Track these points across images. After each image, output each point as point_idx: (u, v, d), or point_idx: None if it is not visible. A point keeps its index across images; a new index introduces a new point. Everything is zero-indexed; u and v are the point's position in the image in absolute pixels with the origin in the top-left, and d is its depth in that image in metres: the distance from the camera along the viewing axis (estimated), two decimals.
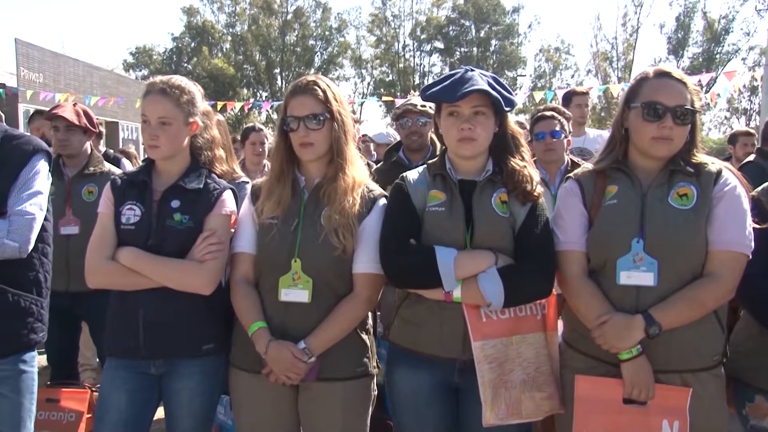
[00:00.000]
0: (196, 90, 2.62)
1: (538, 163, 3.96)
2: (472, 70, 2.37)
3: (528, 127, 4.38)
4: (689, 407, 2.18)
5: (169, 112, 2.49)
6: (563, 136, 3.95)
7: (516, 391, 2.29)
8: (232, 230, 2.59)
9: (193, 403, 2.52)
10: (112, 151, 6.23)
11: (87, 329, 4.12)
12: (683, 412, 2.18)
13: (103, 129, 5.66)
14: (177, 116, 2.51)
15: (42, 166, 2.51)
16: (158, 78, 2.58)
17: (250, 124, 5.61)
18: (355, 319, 2.42)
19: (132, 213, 2.51)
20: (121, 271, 2.46)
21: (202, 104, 2.64)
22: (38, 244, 2.48)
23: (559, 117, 4.01)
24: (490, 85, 2.31)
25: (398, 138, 4.91)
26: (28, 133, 3.42)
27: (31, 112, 6.26)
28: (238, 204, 2.64)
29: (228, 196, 2.58)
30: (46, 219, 2.54)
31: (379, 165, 4.41)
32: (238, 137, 5.87)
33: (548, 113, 4.05)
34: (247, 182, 3.38)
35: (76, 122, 3.90)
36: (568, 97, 5.90)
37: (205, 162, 2.68)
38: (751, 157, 5.29)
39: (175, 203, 2.51)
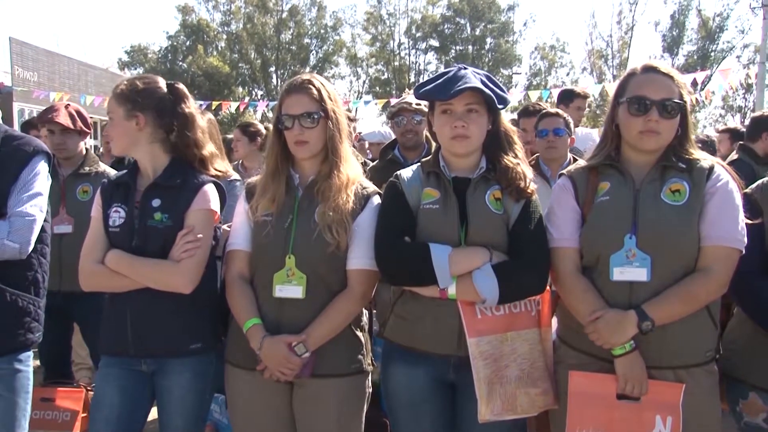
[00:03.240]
0: (148, 85, 2.56)
1: (540, 159, 3.98)
2: (465, 68, 2.38)
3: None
4: (682, 403, 2.19)
5: (111, 106, 2.54)
6: (566, 134, 3.96)
7: (511, 386, 2.30)
8: (225, 227, 2.58)
9: (183, 401, 2.52)
10: None
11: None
12: (676, 408, 2.19)
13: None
14: (116, 110, 2.52)
15: (42, 168, 2.52)
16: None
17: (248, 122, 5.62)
18: (350, 315, 2.43)
19: (117, 215, 2.52)
20: (108, 274, 2.47)
21: (165, 102, 2.56)
22: (37, 244, 2.49)
23: (564, 115, 4.02)
24: (483, 83, 2.33)
25: (391, 136, 4.93)
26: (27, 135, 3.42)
27: (34, 114, 6.26)
28: (229, 201, 2.64)
29: (209, 190, 2.54)
30: (45, 220, 2.54)
31: (374, 163, 4.41)
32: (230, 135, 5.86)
33: (553, 110, 4.06)
34: (239, 180, 3.38)
35: (72, 126, 3.89)
36: (569, 97, 5.75)
37: (191, 161, 2.62)
38: (734, 155, 5.26)
39: (156, 202, 2.50)
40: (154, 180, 2.54)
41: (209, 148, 2.68)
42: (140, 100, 2.52)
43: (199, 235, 2.46)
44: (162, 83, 2.61)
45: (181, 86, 2.66)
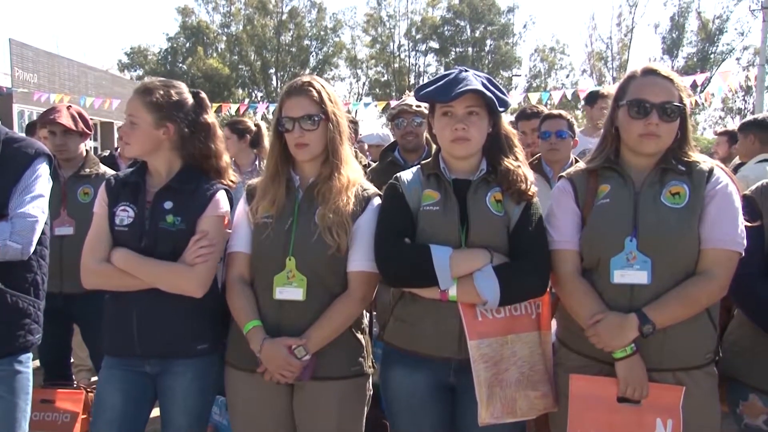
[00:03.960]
0: (180, 96, 2.57)
1: (542, 160, 3.99)
2: (466, 71, 2.38)
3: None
4: (682, 405, 2.19)
5: (136, 111, 2.51)
6: (569, 136, 3.96)
7: (511, 389, 2.30)
8: (228, 230, 2.59)
9: (187, 402, 2.52)
10: None
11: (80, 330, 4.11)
12: (676, 411, 2.19)
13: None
14: (144, 117, 2.50)
15: (43, 170, 2.51)
16: (148, 78, 2.57)
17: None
18: (350, 318, 2.42)
19: (125, 214, 2.52)
20: (114, 273, 2.47)
21: (192, 113, 2.59)
22: (36, 246, 2.48)
23: (567, 117, 4.02)
24: (483, 85, 2.32)
25: (390, 139, 4.92)
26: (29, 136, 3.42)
27: (33, 116, 6.27)
28: (233, 205, 2.64)
29: (221, 197, 2.57)
30: (44, 222, 2.53)
31: (374, 165, 4.41)
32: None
33: (556, 112, 4.07)
34: (241, 183, 3.38)
35: (74, 128, 3.89)
36: (594, 99, 5.75)
37: (207, 170, 2.64)
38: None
39: (168, 204, 2.50)
40: (168, 182, 2.55)
41: (225, 159, 2.70)
42: (174, 111, 2.54)
43: (213, 241, 2.47)
44: (188, 93, 2.63)
45: (204, 95, 2.69)
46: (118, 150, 6.42)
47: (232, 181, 2.71)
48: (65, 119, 3.87)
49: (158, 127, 2.52)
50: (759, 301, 2.36)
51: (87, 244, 2.54)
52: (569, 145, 3.98)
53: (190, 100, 2.61)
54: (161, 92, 2.53)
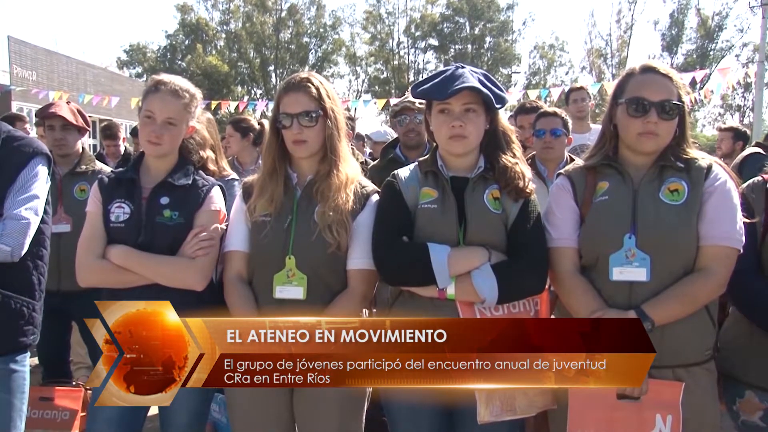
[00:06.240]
0: (199, 95, 2.67)
1: (537, 158, 3.97)
2: (462, 67, 2.37)
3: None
4: (682, 401, 2.19)
5: (178, 114, 2.54)
6: (564, 134, 3.95)
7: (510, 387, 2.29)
8: (222, 226, 2.59)
9: (186, 399, 2.50)
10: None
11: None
12: (676, 407, 2.19)
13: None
14: (183, 119, 2.56)
15: (41, 170, 2.50)
16: (166, 76, 2.60)
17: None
18: (350, 316, 2.41)
19: (121, 211, 2.52)
20: (112, 270, 2.47)
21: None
22: (33, 247, 2.46)
23: (562, 115, 4.01)
24: (480, 82, 2.32)
25: (393, 135, 4.92)
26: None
27: (32, 113, 6.29)
28: (227, 201, 2.65)
29: (216, 193, 2.61)
30: (44, 222, 2.52)
31: (375, 162, 4.41)
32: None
33: (550, 110, 4.05)
34: (236, 180, 3.38)
35: (74, 122, 3.89)
36: (566, 99, 6.06)
37: (197, 161, 2.71)
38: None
39: (164, 200, 2.52)
40: (165, 178, 2.57)
41: (210, 149, 2.80)
42: (197, 109, 2.66)
43: (212, 234, 2.49)
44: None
45: None
46: (104, 150, 6.43)
47: (217, 168, 2.81)
48: (65, 112, 3.87)
49: (188, 127, 2.61)
50: (754, 298, 2.36)
51: (82, 242, 2.54)
52: (564, 143, 3.97)
53: None
54: (196, 96, 2.62)
